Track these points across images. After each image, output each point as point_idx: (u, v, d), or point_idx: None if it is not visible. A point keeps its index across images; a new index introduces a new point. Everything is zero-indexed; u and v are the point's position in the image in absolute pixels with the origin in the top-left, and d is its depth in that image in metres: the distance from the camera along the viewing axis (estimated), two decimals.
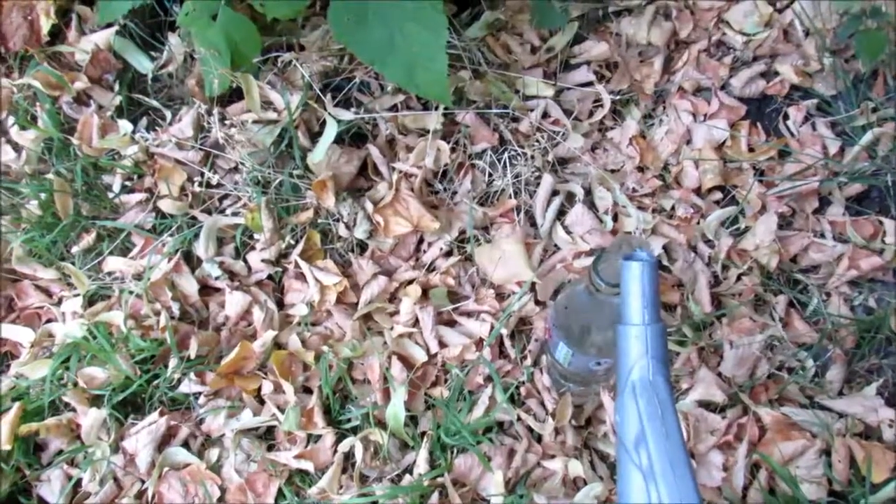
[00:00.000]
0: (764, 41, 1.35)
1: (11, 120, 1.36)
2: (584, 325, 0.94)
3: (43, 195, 1.27)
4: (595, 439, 1.12)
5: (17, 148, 1.34)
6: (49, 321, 1.23)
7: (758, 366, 1.14)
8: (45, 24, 1.38)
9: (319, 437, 1.12)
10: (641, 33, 1.36)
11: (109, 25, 1.38)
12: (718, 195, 1.27)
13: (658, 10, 1.38)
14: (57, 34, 1.41)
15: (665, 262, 1.21)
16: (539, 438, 1.11)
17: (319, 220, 1.24)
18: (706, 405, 1.11)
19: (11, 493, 1.12)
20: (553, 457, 1.09)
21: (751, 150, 1.30)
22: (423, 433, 1.11)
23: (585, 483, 1.07)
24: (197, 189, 1.26)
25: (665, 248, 1.21)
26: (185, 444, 1.14)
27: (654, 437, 0.63)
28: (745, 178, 1.27)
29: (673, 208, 1.26)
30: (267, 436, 1.15)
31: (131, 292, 1.20)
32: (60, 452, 1.14)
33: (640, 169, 1.29)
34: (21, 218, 1.28)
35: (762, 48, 1.35)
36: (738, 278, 1.21)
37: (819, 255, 1.21)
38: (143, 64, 1.39)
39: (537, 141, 1.28)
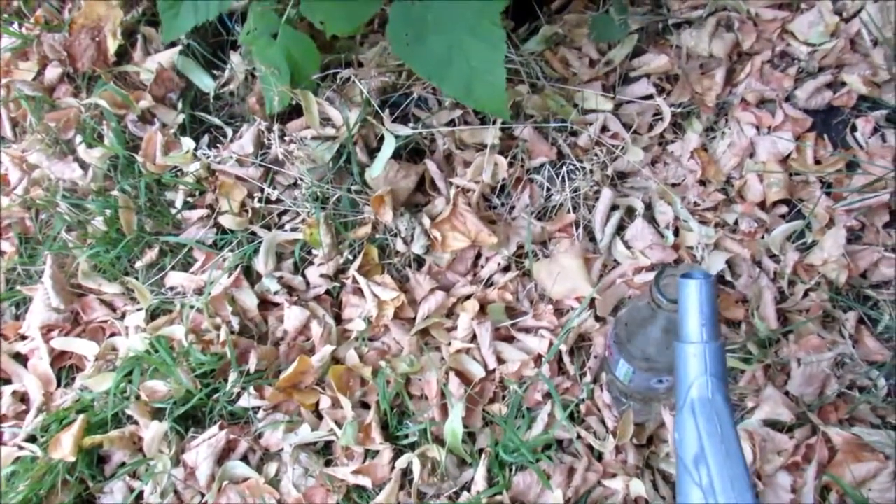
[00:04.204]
0: (830, 51, 1.31)
1: (79, 138, 1.39)
2: (646, 342, 0.92)
3: (108, 211, 1.30)
4: (657, 459, 1.09)
5: (83, 165, 1.37)
6: (113, 335, 1.26)
7: (827, 384, 1.11)
8: (112, 45, 1.41)
9: (377, 452, 1.11)
10: (702, 45, 1.34)
11: (173, 45, 1.42)
12: (784, 209, 1.24)
13: (719, 21, 1.36)
14: (123, 54, 1.45)
15: (729, 278, 1.18)
16: (599, 457, 1.09)
17: (377, 236, 1.24)
18: (773, 424, 1.08)
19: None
20: (614, 476, 1.07)
21: (817, 162, 1.26)
22: (481, 450, 1.10)
23: (647, 503, 1.05)
24: (257, 205, 1.28)
25: (728, 262, 1.18)
26: (244, 458, 1.15)
27: (713, 455, 0.64)
28: (811, 191, 1.24)
29: (736, 222, 1.23)
30: (325, 451, 1.15)
31: (192, 307, 1.21)
32: (123, 465, 1.16)
33: (702, 182, 1.27)
34: (87, 234, 1.31)
35: (828, 58, 1.32)
36: (806, 294, 1.17)
37: (890, 271, 1.17)
38: (205, 82, 1.42)
39: (596, 155, 1.26)
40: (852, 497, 1.01)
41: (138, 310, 1.25)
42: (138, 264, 1.29)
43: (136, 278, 1.28)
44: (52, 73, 1.47)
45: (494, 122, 1.25)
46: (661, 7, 1.39)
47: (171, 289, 1.27)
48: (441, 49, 1.09)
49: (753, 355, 1.12)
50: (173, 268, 1.28)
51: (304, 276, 1.25)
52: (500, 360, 1.16)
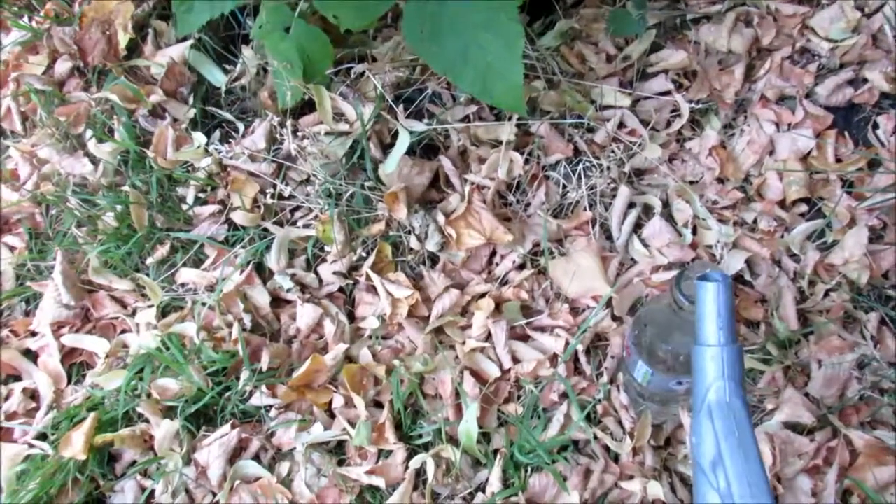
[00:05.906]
0: (851, 47, 1.29)
1: (89, 133, 1.38)
2: (665, 343, 0.91)
3: (119, 207, 1.29)
4: (675, 461, 1.08)
5: (94, 161, 1.36)
6: (124, 332, 1.25)
7: (848, 386, 1.09)
8: (123, 39, 1.40)
9: (390, 452, 1.10)
10: (721, 41, 1.32)
11: (185, 39, 1.40)
12: (804, 207, 1.22)
13: (738, 16, 1.34)
14: (134, 49, 1.44)
15: (748, 277, 1.16)
16: (616, 458, 1.08)
17: (391, 233, 1.23)
18: (793, 427, 1.07)
19: (86, 503, 1.13)
20: (631, 478, 1.05)
21: (838, 160, 1.24)
22: (497, 451, 1.09)
23: None
24: (269, 201, 1.26)
25: (747, 262, 1.16)
26: (256, 458, 1.13)
27: (731, 459, 0.64)
28: (832, 189, 1.22)
29: (755, 221, 1.21)
30: (337, 450, 1.14)
31: (204, 304, 1.20)
32: (134, 463, 1.15)
33: (721, 180, 1.25)
34: (97, 230, 1.30)
35: (849, 55, 1.30)
36: (826, 294, 1.16)
37: None
38: (216, 77, 1.40)
39: (613, 152, 1.25)
40: (874, 501, 1.00)
41: (149, 307, 1.24)
42: (149, 261, 1.28)
43: (147, 275, 1.27)
44: (63, 67, 1.46)
45: (510, 119, 1.24)
46: (679, 2, 1.37)
47: (183, 285, 1.26)
48: (457, 45, 1.07)
49: (773, 356, 1.11)
50: (185, 264, 1.27)
51: (316, 273, 1.24)
52: (516, 360, 1.14)
